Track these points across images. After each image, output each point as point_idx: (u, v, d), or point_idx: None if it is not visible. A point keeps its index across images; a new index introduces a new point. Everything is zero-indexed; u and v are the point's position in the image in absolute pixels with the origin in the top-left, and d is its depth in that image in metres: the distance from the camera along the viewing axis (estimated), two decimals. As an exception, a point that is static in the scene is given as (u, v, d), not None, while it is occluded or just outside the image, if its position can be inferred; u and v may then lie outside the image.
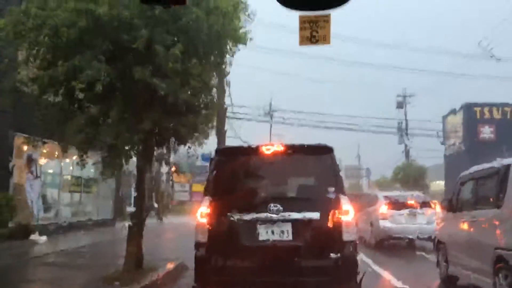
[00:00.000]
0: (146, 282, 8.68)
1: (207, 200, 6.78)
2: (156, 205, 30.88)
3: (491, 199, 7.94)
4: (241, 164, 7.20)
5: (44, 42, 8.40)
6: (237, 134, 30.11)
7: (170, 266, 10.59)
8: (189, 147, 10.32)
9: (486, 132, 49.41)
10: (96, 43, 8.28)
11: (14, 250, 12.91)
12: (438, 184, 52.16)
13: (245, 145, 9.87)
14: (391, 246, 16.00)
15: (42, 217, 17.65)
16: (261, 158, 7.07)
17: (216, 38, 8.84)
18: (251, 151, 7.33)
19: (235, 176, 7.17)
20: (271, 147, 7.15)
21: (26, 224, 15.22)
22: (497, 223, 7.50)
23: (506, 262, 6.98)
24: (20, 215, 15.15)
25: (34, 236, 15.07)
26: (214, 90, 10.25)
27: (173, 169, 33.15)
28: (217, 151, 7.72)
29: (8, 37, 8.60)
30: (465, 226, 8.82)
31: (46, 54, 8.74)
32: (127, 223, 10.26)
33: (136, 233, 9.65)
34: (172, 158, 11.57)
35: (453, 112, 53.56)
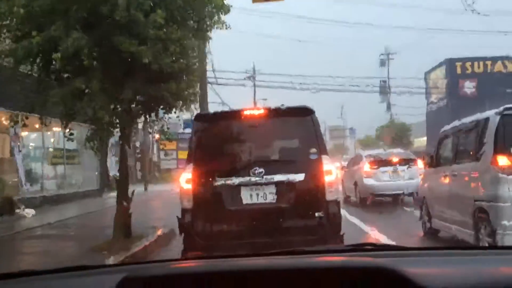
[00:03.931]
0: (134, 250, 8.76)
1: (190, 167, 6.81)
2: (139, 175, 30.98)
3: (470, 153, 8.07)
4: (221, 129, 7.20)
5: (18, 13, 8.15)
6: (221, 100, 29.95)
7: (158, 233, 10.68)
8: (177, 116, 10.26)
9: (468, 86, 49.75)
10: (71, 11, 8.10)
11: (0, 224, 12.91)
12: (422, 141, 52.71)
13: (225, 109, 9.85)
14: (377, 204, 16.23)
15: (27, 190, 17.58)
16: (242, 122, 7.08)
17: (193, 1, 8.72)
18: (231, 116, 7.34)
19: (217, 142, 7.18)
20: (251, 111, 7.16)
21: (11, 198, 15.16)
22: (476, 175, 7.66)
23: (486, 213, 7.15)
24: (5, 189, 15.07)
25: (20, 210, 15.04)
26: (195, 55, 10.14)
27: (157, 136, 33.09)
28: (196, 117, 7.69)
29: None
30: (445, 180, 8.98)
31: (19, 25, 8.55)
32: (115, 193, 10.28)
33: (122, 202, 9.69)
34: (156, 127, 11.46)
35: (435, 68, 53.72)
